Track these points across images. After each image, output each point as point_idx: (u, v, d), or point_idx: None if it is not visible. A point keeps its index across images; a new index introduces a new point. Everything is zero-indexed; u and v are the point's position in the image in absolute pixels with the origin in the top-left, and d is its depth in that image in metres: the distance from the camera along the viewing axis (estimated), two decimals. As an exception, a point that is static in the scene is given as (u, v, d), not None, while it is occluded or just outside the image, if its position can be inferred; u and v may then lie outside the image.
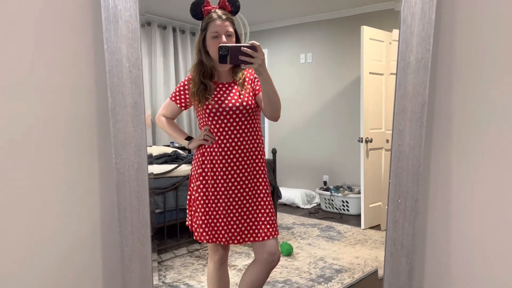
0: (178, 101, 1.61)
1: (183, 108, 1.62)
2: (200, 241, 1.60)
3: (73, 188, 1.05)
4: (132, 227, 1.03)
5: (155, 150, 2.59)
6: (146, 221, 1.04)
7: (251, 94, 1.55)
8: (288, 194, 3.38)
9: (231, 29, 1.49)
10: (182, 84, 1.59)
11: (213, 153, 1.54)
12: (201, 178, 1.57)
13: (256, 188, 1.58)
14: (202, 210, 1.58)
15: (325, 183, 3.48)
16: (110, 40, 0.97)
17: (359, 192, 3.14)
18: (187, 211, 1.64)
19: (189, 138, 1.65)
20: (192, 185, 1.63)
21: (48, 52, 0.99)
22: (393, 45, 2.96)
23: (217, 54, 1.32)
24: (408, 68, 1.01)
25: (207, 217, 1.58)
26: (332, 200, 3.28)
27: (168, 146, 2.86)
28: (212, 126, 1.53)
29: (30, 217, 0.99)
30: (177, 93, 1.61)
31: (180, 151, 2.72)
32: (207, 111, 1.51)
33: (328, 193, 3.31)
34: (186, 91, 1.58)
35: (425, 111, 1.02)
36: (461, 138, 1.07)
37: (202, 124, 1.59)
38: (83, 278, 1.08)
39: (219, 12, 1.48)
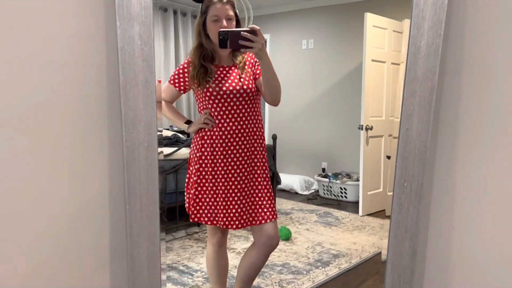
0: (177, 85, 1.61)
1: (182, 92, 1.62)
2: (199, 222, 1.61)
3: (83, 164, 1.06)
4: (141, 205, 1.04)
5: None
6: (155, 199, 1.05)
7: (251, 78, 1.55)
8: (287, 180, 3.40)
9: (231, 13, 1.48)
10: (181, 67, 1.59)
11: (213, 137, 1.55)
12: (200, 161, 1.58)
13: (254, 172, 1.59)
14: (202, 192, 1.60)
15: (323, 169, 3.51)
16: (122, 17, 0.96)
17: (357, 180, 3.16)
18: (185, 194, 1.65)
19: (188, 122, 1.66)
20: (191, 168, 1.64)
21: (60, 29, 0.98)
22: (397, 36, 2.96)
23: (217, 38, 1.32)
24: (418, 52, 1.01)
25: (207, 199, 1.59)
26: (331, 187, 3.31)
27: (168, 129, 2.87)
28: (213, 110, 1.53)
29: (39, 190, 1.00)
30: (176, 77, 1.60)
31: (179, 135, 2.73)
32: (208, 94, 1.51)
33: (327, 179, 3.34)
34: (186, 74, 1.58)
35: (433, 96, 1.03)
36: (467, 125, 1.08)
37: (201, 107, 1.59)
38: (90, 251, 1.09)
39: None
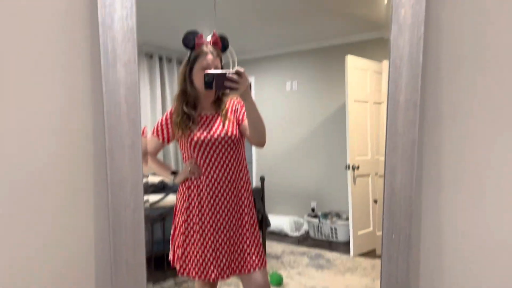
0: (160, 136, 1.61)
1: (165, 143, 1.62)
2: (188, 276, 1.58)
3: (68, 229, 1.04)
4: (128, 268, 1.03)
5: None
6: (141, 261, 1.03)
7: (234, 124, 1.57)
8: (277, 221, 3.38)
9: (220, 65, 1.52)
10: (163, 118, 1.61)
11: (200, 186, 1.54)
12: (187, 211, 1.57)
13: (242, 219, 1.59)
14: (190, 244, 1.57)
15: (313, 209, 3.50)
16: (108, 82, 0.98)
17: (347, 219, 3.16)
18: (170, 246, 1.62)
19: (174, 173, 1.65)
20: (177, 219, 1.62)
21: (48, 94, 0.99)
22: (376, 76, 3.05)
23: (202, 84, 1.35)
24: (398, 108, 1.05)
25: (195, 252, 1.56)
26: (321, 227, 3.29)
27: (154, 174, 2.84)
28: (198, 158, 1.54)
29: (25, 254, 0.98)
30: (159, 128, 1.61)
31: (166, 180, 2.71)
32: (192, 143, 1.52)
33: (317, 220, 3.32)
34: (169, 125, 1.59)
35: (415, 149, 1.05)
36: (451, 175, 1.10)
37: (186, 157, 1.60)
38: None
39: (211, 48, 1.52)
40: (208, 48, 1.53)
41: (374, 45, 3.10)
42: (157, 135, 1.62)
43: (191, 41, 1.53)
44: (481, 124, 1.06)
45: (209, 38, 1.54)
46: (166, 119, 1.60)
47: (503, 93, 1.04)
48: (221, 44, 1.57)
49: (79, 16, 1.00)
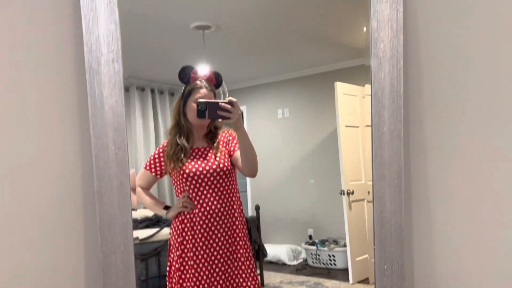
0: (153, 170, 1.62)
1: (158, 176, 1.63)
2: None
3: (59, 272, 1.03)
4: (119, 311, 1.01)
5: (135, 214, 2.55)
6: (133, 303, 1.02)
7: (226, 156, 1.58)
8: (274, 250, 3.34)
9: (213, 99, 1.55)
10: (156, 152, 1.62)
11: (193, 219, 1.54)
12: (182, 246, 1.56)
13: (237, 251, 1.58)
14: (186, 280, 1.55)
15: (310, 237, 3.47)
16: (96, 125, 1.00)
17: (344, 245, 3.13)
18: (168, 283, 1.61)
19: (167, 208, 1.65)
20: (172, 255, 1.60)
21: (36, 139, 1.00)
22: (366, 99, 3.09)
23: (195, 114, 1.37)
24: (382, 138, 1.07)
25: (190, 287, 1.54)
26: (319, 255, 3.25)
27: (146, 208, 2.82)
28: (190, 191, 1.54)
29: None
30: (152, 162, 1.62)
31: (160, 215, 2.68)
32: (184, 175, 1.53)
33: (314, 247, 3.29)
34: (162, 159, 1.60)
35: (402, 178, 1.06)
36: (440, 201, 1.11)
37: (179, 190, 1.60)
38: None
39: (205, 82, 1.56)
40: (202, 83, 1.56)
41: (361, 71, 3.16)
42: (150, 169, 1.63)
43: (186, 75, 1.57)
44: (466, 152, 1.08)
45: (203, 73, 1.59)
46: (159, 153, 1.62)
47: (486, 120, 1.06)
48: (215, 81, 1.62)
49: (66, 61, 1.03)
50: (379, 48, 1.04)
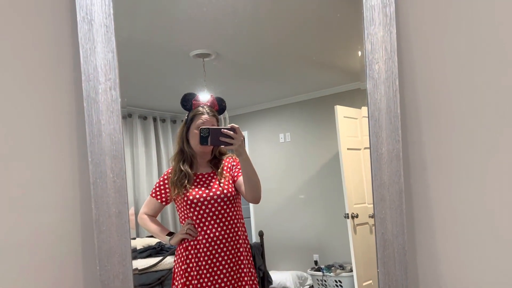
0: (158, 197, 1.62)
1: (164, 203, 1.62)
2: None
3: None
4: None
5: (139, 243, 2.52)
6: (132, 335, 1.00)
7: (230, 181, 1.58)
8: (280, 277, 3.28)
9: (216, 125, 1.56)
10: (162, 179, 1.62)
11: (197, 246, 1.52)
12: (186, 274, 1.53)
13: (242, 278, 1.55)
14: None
15: (316, 262, 3.41)
16: (94, 152, 1.00)
17: (351, 270, 3.07)
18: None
19: (170, 234, 1.64)
20: (176, 283, 1.58)
21: (33, 167, 1.01)
22: (364, 121, 3.09)
23: (198, 141, 1.38)
24: (381, 159, 1.06)
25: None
26: (325, 281, 3.19)
27: (152, 236, 2.79)
28: (194, 218, 1.53)
29: None
30: (157, 189, 1.62)
31: (164, 242, 2.66)
32: (188, 202, 1.52)
33: (320, 273, 3.23)
34: (166, 185, 1.60)
35: (403, 199, 1.05)
36: (443, 222, 1.09)
37: (183, 217, 1.59)
38: None
39: (207, 108, 1.57)
40: (204, 109, 1.58)
41: (358, 94, 3.18)
42: (156, 196, 1.62)
43: (188, 102, 1.59)
44: (466, 170, 1.07)
45: (205, 99, 1.60)
46: (164, 179, 1.62)
47: (485, 138, 1.06)
48: (218, 107, 1.63)
49: (64, 89, 1.04)
50: (374, 69, 1.05)
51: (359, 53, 1.17)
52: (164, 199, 1.62)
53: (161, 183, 1.62)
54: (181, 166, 1.56)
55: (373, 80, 1.05)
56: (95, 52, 0.98)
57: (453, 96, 1.09)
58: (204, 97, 1.63)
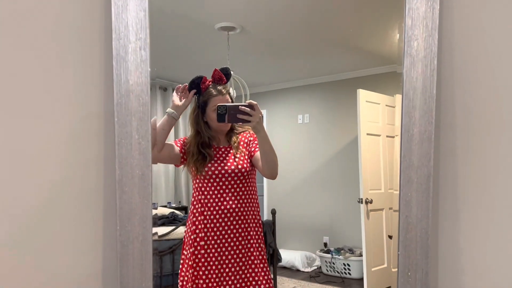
0: (180, 151, 1.57)
1: (181, 155, 1.57)
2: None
3: (76, 259, 1.03)
4: (134, 302, 0.99)
5: (154, 212, 2.55)
6: (148, 296, 1.00)
7: (246, 157, 1.57)
8: (288, 256, 3.31)
9: (230, 101, 1.54)
10: (182, 140, 1.58)
11: (207, 218, 1.53)
12: (195, 243, 1.55)
13: (250, 253, 1.56)
14: (199, 277, 1.54)
15: (325, 244, 3.42)
16: (120, 113, 0.99)
17: (360, 255, 3.07)
18: (179, 280, 1.59)
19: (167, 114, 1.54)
20: (185, 252, 1.59)
21: (60, 123, 1.00)
22: (390, 109, 3.04)
23: (217, 122, 1.36)
24: (412, 140, 1.03)
25: (203, 285, 1.53)
26: (333, 263, 3.20)
27: (165, 206, 2.82)
28: (208, 189, 1.53)
29: (32, 284, 0.96)
30: (181, 144, 1.57)
31: (177, 212, 2.68)
32: (203, 174, 1.52)
33: (329, 255, 3.24)
34: (183, 150, 1.56)
35: (430, 183, 1.02)
36: (468, 208, 1.06)
37: (196, 187, 1.58)
38: None
39: (218, 87, 1.53)
40: (215, 89, 1.54)
41: (386, 79, 3.11)
42: (181, 149, 1.56)
43: (197, 86, 1.54)
44: (497, 159, 1.04)
45: (212, 77, 1.54)
46: (183, 144, 1.57)
47: (520, 126, 1.01)
48: (226, 78, 1.59)
49: (93, 46, 1.02)
50: (412, 46, 1.00)
51: (397, 35, 1.13)
52: (182, 158, 1.55)
53: (183, 142, 1.56)
54: (201, 148, 1.54)
55: (411, 57, 1.01)
56: (127, 10, 0.96)
57: (492, 83, 1.04)
58: (210, 74, 1.57)
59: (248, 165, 1.56)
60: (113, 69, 0.98)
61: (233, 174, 1.52)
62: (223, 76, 1.57)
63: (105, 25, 1.00)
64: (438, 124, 1.07)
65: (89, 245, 1.04)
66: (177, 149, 1.56)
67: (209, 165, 1.52)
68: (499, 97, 1.04)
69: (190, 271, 1.54)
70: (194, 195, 1.59)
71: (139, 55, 0.98)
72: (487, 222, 1.05)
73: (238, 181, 1.54)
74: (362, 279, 2.86)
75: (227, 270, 1.51)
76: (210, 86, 1.54)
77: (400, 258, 1.04)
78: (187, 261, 1.57)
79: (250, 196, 1.57)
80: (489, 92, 1.05)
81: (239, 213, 1.54)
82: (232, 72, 1.63)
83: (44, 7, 0.98)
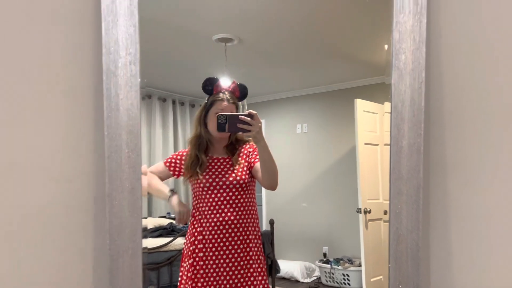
0: (172, 168, 1.62)
1: (175, 176, 1.62)
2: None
3: (66, 273, 1.03)
4: (124, 317, 0.99)
5: (150, 222, 2.55)
6: (138, 309, 1.00)
7: (245, 169, 1.57)
8: (287, 267, 3.29)
9: (235, 111, 1.56)
10: (180, 153, 1.62)
11: (206, 229, 1.53)
12: (194, 255, 1.54)
13: (249, 265, 1.55)
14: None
15: (324, 255, 3.40)
16: (110, 126, 0.99)
17: (360, 265, 3.05)
18: (179, 292, 1.59)
19: (172, 192, 1.60)
20: (184, 264, 1.59)
21: (49, 137, 1.01)
22: (386, 117, 3.04)
23: (215, 127, 1.37)
24: (401, 152, 1.03)
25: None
26: (333, 273, 3.18)
27: (164, 217, 2.82)
28: (206, 201, 1.53)
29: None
30: (173, 161, 1.62)
31: (175, 223, 2.68)
32: (201, 185, 1.52)
33: (328, 265, 3.22)
34: (183, 161, 1.60)
35: (420, 194, 1.02)
36: (459, 221, 1.06)
37: (195, 198, 1.59)
38: None
39: (228, 95, 1.56)
40: (225, 95, 1.57)
41: (383, 89, 3.13)
42: (169, 166, 1.62)
43: (210, 86, 1.58)
44: (488, 170, 1.04)
45: (227, 85, 1.59)
46: (182, 155, 1.62)
47: (510, 139, 1.02)
48: (240, 93, 1.61)
49: (83, 62, 1.04)
50: (400, 59, 1.01)
51: (386, 46, 1.14)
52: (176, 173, 1.61)
53: (178, 156, 1.62)
54: (197, 152, 1.56)
55: (399, 70, 1.01)
56: (117, 25, 0.97)
57: (480, 94, 1.05)
58: (226, 82, 1.62)
59: (247, 176, 1.56)
60: (103, 83, 0.99)
61: (231, 186, 1.53)
62: (237, 88, 1.60)
63: (95, 40, 1.01)
64: (428, 136, 1.07)
65: (79, 258, 1.04)
66: (165, 169, 1.62)
67: (207, 176, 1.53)
68: (487, 108, 1.04)
69: (189, 283, 1.54)
70: (194, 203, 1.60)
71: (129, 69, 0.99)
72: (477, 233, 1.04)
73: (237, 193, 1.54)
74: (361, 289, 2.84)
75: (225, 282, 1.50)
76: (222, 91, 1.57)
77: (391, 271, 1.03)
78: (186, 273, 1.57)
79: (250, 208, 1.57)
80: (477, 103, 1.05)
81: (238, 225, 1.53)
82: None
83: (34, 22, 0.99)
